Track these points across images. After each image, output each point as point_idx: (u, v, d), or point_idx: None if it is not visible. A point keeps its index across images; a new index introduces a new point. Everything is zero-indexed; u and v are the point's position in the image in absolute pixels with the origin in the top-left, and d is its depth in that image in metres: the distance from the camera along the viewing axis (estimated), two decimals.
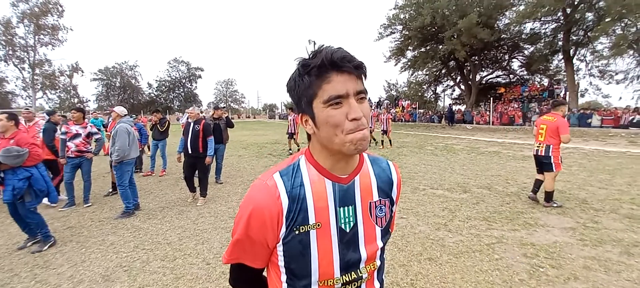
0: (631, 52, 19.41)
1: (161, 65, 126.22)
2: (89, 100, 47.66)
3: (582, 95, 25.72)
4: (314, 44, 28.88)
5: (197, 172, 5.40)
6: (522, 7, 21.88)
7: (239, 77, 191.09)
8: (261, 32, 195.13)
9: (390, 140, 12.78)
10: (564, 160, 8.44)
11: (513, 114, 22.11)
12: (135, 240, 3.88)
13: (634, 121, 16.25)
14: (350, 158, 0.81)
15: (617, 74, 23.28)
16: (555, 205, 4.68)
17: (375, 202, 0.86)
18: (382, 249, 0.89)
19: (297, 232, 0.76)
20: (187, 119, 5.50)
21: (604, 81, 24.34)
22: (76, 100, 45.17)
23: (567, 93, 21.54)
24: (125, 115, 5.04)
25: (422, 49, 28.83)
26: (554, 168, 4.71)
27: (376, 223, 0.85)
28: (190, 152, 5.21)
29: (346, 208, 0.81)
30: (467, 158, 9.42)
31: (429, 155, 10.11)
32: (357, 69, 0.72)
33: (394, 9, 27.98)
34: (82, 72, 42.66)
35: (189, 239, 3.84)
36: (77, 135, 5.15)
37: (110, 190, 6.03)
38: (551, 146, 4.76)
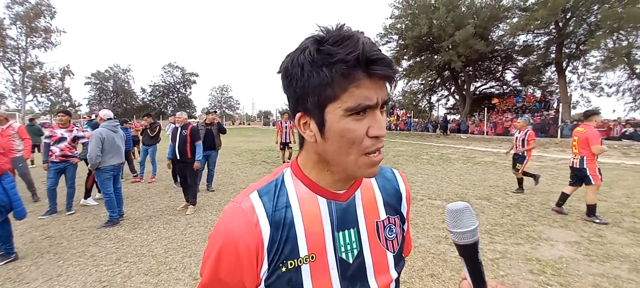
0: (622, 65, 19.71)
1: (156, 70, 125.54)
2: (81, 105, 46.94)
3: (574, 107, 26.03)
4: None
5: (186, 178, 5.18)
6: (515, 19, 22.19)
7: (234, 83, 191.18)
8: (257, 39, 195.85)
9: None
10: (560, 171, 8.45)
11: (509, 124, 22.22)
12: (118, 251, 3.63)
13: (626, 133, 16.40)
14: (356, 179, 0.65)
15: (611, 86, 23.68)
16: (597, 221, 4.38)
17: (383, 221, 0.69)
18: (397, 281, 0.71)
19: (284, 269, 0.58)
20: (175, 124, 5.31)
21: (595, 93, 24.72)
22: (67, 103, 44.52)
23: (560, 105, 21.75)
24: (108, 119, 4.81)
25: (418, 59, 29.01)
26: (592, 180, 4.48)
27: (387, 248, 0.68)
28: (178, 157, 5.03)
29: (347, 232, 0.64)
30: (463, 168, 9.32)
31: (425, 165, 9.99)
32: (393, 76, 0.55)
33: (391, 18, 28.21)
34: (73, 75, 42.11)
35: (176, 251, 3.61)
36: (62, 139, 4.91)
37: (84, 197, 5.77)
38: (585, 158, 4.54)
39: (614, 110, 40.31)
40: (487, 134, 22.96)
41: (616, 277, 2.96)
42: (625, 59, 18.36)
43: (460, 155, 12.27)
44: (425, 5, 24.73)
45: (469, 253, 0.62)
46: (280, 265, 0.58)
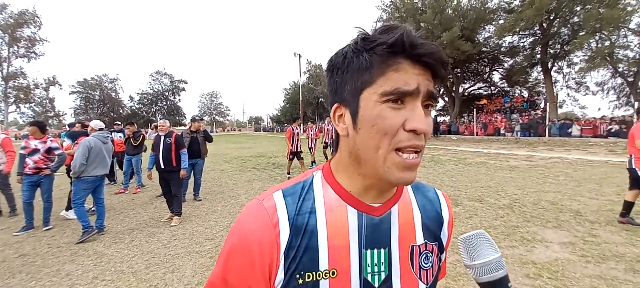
0: (605, 65, 20.15)
1: (144, 77, 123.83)
2: (66, 114, 45.94)
3: (560, 106, 26.49)
4: (299, 56, 28.90)
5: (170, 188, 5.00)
6: (501, 21, 22.54)
7: (223, 89, 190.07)
8: (246, 45, 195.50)
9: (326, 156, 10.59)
10: (550, 170, 8.51)
11: (500, 125, 22.48)
12: (96, 268, 3.42)
13: (612, 130, 16.71)
14: (390, 186, 0.57)
15: (598, 85, 24.20)
16: (632, 222, 4.14)
17: (419, 246, 0.60)
18: None
19: (300, 281, 0.52)
20: (157, 132, 5.14)
21: (581, 93, 25.23)
22: (52, 113, 43.51)
23: (547, 104, 22.11)
24: (100, 129, 4.63)
25: None
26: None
27: (420, 278, 0.59)
28: (162, 166, 4.85)
29: (376, 251, 0.56)
30: (454, 169, 9.29)
31: None
32: (440, 66, 0.50)
33: (379, 21, 28.38)
34: (61, 85, 41.27)
35: (158, 267, 3.42)
36: (35, 151, 4.67)
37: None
38: (633, 156, 4.18)
39: (599, 109, 41.25)
40: (477, 135, 23.18)
41: (613, 278, 2.89)
42: (608, 58, 18.75)
43: (451, 157, 12.28)
44: (413, 8, 24.99)
45: None
46: (297, 275, 0.53)
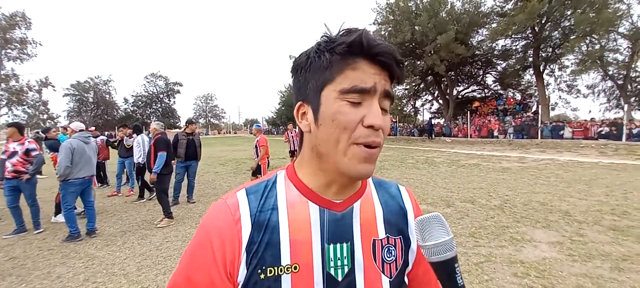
0: (595, 68, 20.46)
1: (138, 80, 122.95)
2: (59, 116, 45.48)
3: (553, 109, 26.81)
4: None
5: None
6: (494, 25, 22.80)
7: (219, 92, 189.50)
8: (242, 47, 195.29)
9: None
10: (541, 172, 8.62)
11: (494, 127, 22.69)
12: (87, 271, 3.41)
13: (602, 133, 16.96)
14: (350, 181, 0.58)
15: (589, 87, 24.55)
16: None
17: (381, 240, 0.61)
18: None
19: (262, 276, 0.53)
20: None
21: (572, 95, 25.57)
22: (45, 116, 43.07)
23: (539, 107, 22.36)
24: (80, 130, 4.59)
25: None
26: None
27: (382, 271, 0.60)
28: (147, 168, 4.93)
29: (338, 246, 0.57)
30: (448, 171, 9.37)
31: (411, 169, 10.01)
32: (396, 66, 0.53)
33: (374, 24, 28.53)
34: (54, 87, 40.87)
35: (150, 269, 3.41)
36: (14, 154, 4.59)
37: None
38: None
39: (590, 111, 41.86)
40: (470, 137, 23.36)
41: (599, 276, 2.94)
42: (598, 62, 19.06)
43: (445, 159, 12.38)
44: (408, 11, 25.15)
45: (444, 273, 0.53)
46: (259, 270, 0.53)
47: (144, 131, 7.07)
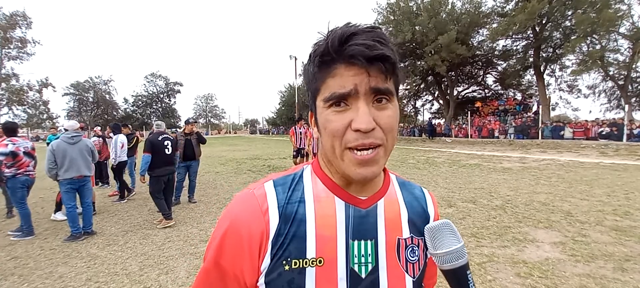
0: (596, 68, 20.46)
1: (139, 79, 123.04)
2: (59, 116, 45.47)
3: (553, 109, 26.84)
4: (295, 59, 28.92)
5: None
6: (495, 25, 22.80)
7: (219, 92, 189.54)
8: (242, 47, 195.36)
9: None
10: (542, 172, 8.61)
11: (494, 127, 22.69)
12: (89, 271, 3.41)
13: (603, 133, 16.95)
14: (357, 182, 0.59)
15: (590, 88, 24.57)
16: None
17: (405, 239, 0.61)
18: None
19: (286, 268, 0.54)
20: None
21: (573, 95, 25.59)
22: (45, 116, 43.06)
23: (540, 107, 22.37)
24: (67, 130, 4.59)
25: (402, 64, 29.42)
26: None
27: (406, 271, 0.60)
28: None
29: (363, 243, 0.57)
30: (449, 171, 9.37)
31: (412, 169, 10.01)
32: (374, 61, 0.49)
33: (374, 24, 28.52)
34: (54, 87, 40.87)
35: (152, 268, 3.41)
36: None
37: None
38: None
39: (591, 111, 41.93)
40: (471, 137, 23.37)
41: (602, 277, 2.94)
42: (599, 62, 19.06)
43: (446, 159, 12.38)
44: (408, 11, 25.16)
45: (456, 280, 0.52)
46: (284, 262, 0.54)
47: (122, 131, 7.10)
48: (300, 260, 0.54)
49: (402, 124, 33.27)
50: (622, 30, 18.93)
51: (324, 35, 0.53)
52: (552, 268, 3.12)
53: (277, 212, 0.56)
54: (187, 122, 6.40)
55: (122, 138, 6.83)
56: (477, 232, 4.17)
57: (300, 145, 8.96)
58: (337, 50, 0.50)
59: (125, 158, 6.94)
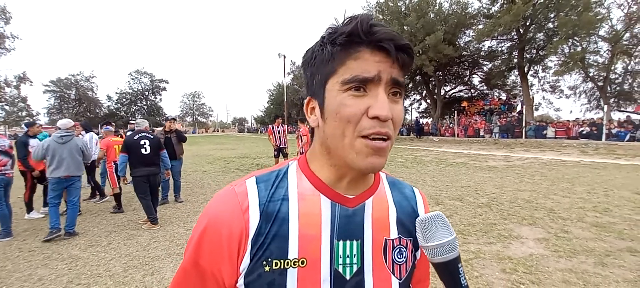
0: (577, 69, 21.10)
1: (122, 76, 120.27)
2: (39, 113, 43.99)
3: (536, 109, 27.53)
4: (284, 57, 28.80)
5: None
6: (481, 26, 23.24)
7: (207, 89, 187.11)
8: (230, 45, 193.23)
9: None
10: (526, 170, 8.83)
11: (480, 126, 23.13)
12: (70, 273, 3.30)
13: (583, 132, 17.51)
14: (361, 175, 0.57)
15: (571, 88, 25.30)
16: None
17: (393, 240, 0.59)
18: None
19: (267, 268, 0.51)
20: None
21: (555, 96, 26.32)
22: (25, 113, 41.58)
23: (524, 107, 22.93)
24: (58, 128, 4.52)
25: None
26: None
27: (392, 272, 0.58)
28: None
29: (348, 243, 0.55)
30: (436, 169, 9.50)
31: (400, 168, 10.11)
32: (400, 51, 0.49)
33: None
34: (31, 82, 39.41)
35: (137, 269, 3.32)
36: None
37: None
38: None
39: (572, 111, 43.26)
40: (458, 136, 23.77)
41: (583, 271, 3.03)
42: (580, 63, 19.66)
43: (434, 157, 12.55)
44: (397, 11, 25.38)
45: (448, 273, 0.51)
46: (264, 262, 0.51)
47: (92, 129, 6.98)
48: (282, 261, 0.52)
49: None
50: (601, 32, 19.61)
51: (345, 19, 0.52)
52: (536, 264, 3.19)
53: (258, 210, 0.53)
54: (166, 119, 6.28)
55: (93, 136, 6.69)
56: (464, 229, 4.24)
57: (280, 144, 8.95)
58: (366, 31, 0.48)
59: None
